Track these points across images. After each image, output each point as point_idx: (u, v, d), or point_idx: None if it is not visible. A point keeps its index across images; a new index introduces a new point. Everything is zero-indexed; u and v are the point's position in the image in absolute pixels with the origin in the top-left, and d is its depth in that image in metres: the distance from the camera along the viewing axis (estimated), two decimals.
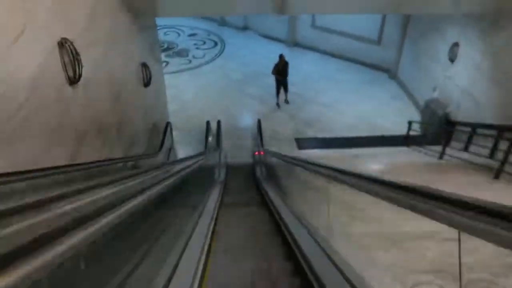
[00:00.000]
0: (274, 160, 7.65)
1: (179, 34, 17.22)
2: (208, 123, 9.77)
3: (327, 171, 3.00)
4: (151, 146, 8.57)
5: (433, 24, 10.98)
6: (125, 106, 6.54)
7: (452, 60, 10.01)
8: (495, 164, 7.27)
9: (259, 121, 9.94)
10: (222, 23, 17.98)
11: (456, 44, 9.82)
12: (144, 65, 7.77)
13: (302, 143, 10.60)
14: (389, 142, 10.57)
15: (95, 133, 4.93)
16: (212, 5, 7.47)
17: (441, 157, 8.47)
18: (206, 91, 13.00)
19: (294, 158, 5.52)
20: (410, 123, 10.08)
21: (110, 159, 5.16)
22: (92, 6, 5.11)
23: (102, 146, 5.23)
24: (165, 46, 16.12)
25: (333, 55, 15.14)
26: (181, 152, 10.10)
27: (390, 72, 13.86)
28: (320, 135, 10.94)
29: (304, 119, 11.59)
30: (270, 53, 15.27)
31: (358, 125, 11.34)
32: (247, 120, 11.76)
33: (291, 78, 12.24)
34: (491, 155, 8.09)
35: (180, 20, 18.63)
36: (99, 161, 4.72)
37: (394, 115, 11.80)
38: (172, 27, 17.93)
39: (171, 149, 9.66)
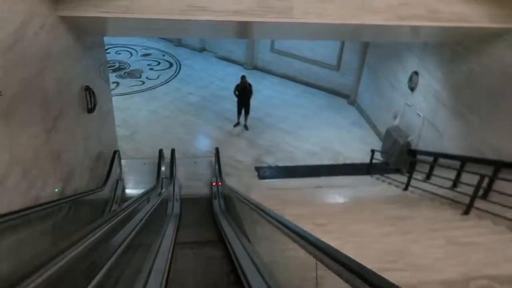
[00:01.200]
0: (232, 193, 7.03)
1: (131, 54, 16.32)
2: (161, 151, 8.95)
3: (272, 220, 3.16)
4: (96, 177, 7.63)
5: (393, 52, 10.97)
6: (63, 134, 5.66)
7: (412, 88, 9.95)
8: (459, 196, 7.08)
9: (217, 150, 9.27)
10: (178, 43, 17.32)
11: (415, 73, 9.78)
12: (89, 89, 6.92)
13: (262, 172, 10.02)
14: (352, 171, 10.26)
15: (21, 168, 4.07)
16: (167, 27, 6.82)
17: (406, 188, 8.20)
18: (159, 115, 12.17)
19: (246, 199, 5.03)
20: (373, 151, 9.84)
21: (39, 205, 4.27)
22: (23, 20, 4.30)
23: (32, 182, 4.36)
24: (116, 65, 15.16)
25: (292, 79, 14.89)
26: (131, 184, 9.17)
27: (349, 98, 13.77)
28: (282, 163, 10.43)
29: (264, 146, 11.06)
30: (228, 76, 14.83)
31: (320, 152, 10.97)
32: (204, 147, 11.05)
33: (252, 102, 11.73)
34: (454, 186, 7.94)
35: (133, 39, 17.73)
36: (24, 209, 3.86)
37: (356, 142, 11.58)
38: (124, 46, 17.00)
39: (118, 180, 8.72)
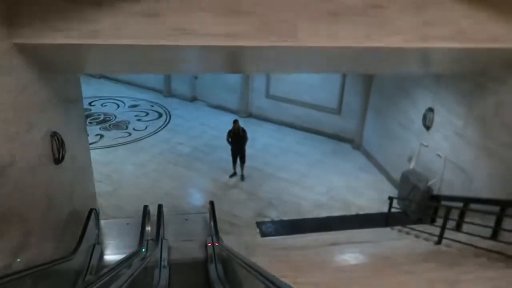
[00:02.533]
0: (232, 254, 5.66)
1: (118, 106, 15.40)
2: (145, 208, 7.60)
3: None
4: (65, 243, 6.24)
5: (400, 89, 10.11)
6: (13, 189, 4.39)
7: (427, 127, 8.94)
8: (503, 247, 5.81)
9: (211, 204, 7.95)
10: (168, 93, 16.51)
11: (430, 110, 8.82)
12: (56, 136, 5.74)
13: (265, 228, 8.65)
14: (367, 223, 8.93)
15: None
16: (149, 57, 5.82)
17: (439, 242, 6.86)
18: (146, 168, 10.93)
19: (248, 265, 3.88)
20: (391, 199, 8.58)
21: None
22: None
23: None
24: (101, 118, 14.15)
25: (291, 125, 13.92)
26: (111, 249, 7.71)
27: (353, 142, 12.73)
28: (286, 216, 9.09)
29: (265, 198, 9.77)
30: (222, 125, 13.75)
31: (329, 203, 9.69)
32: (197, 202, 9.72)
33: (248, 150, 10.61)
34: (494, 235, 6.66)
35: (120, 91, 16.95)
36: None
37: (367, 189, 10.35)
38: (110, 98, 16.14)
39: (95, 245, 7.27)
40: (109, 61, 5.82)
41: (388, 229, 8.52)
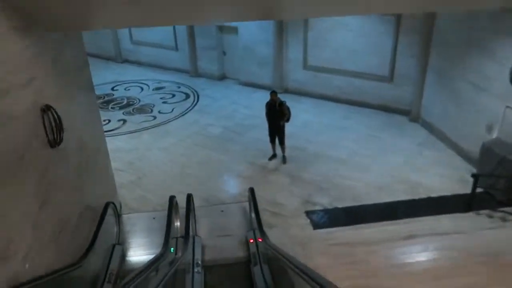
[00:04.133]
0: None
1: (142, 89, 14.19)
2: (172, 200, 6.27)
3: None
4: (77, 247, 5.04)
5: (471, 42, 8.21)
6: None
7: None
8: None
9: (251, 191, 6.52)
10: (195, 73, 15.14)
11: None
12: (50, 111, 4.43)
13: (317, 218, 7.15)
14: (442, 207, 7.24)
15: None
16: (172, 10, 4.35)
17: None
18: (173, 153, 9.63)
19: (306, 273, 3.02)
20: (476, 176, 6.82)
21: None
22: None
23: None
24: (124, 102, 12.98)
25: (333, 99, 12.23)
26: (135, 249, 6.46)
27: (410, 113, 10.91)
28: (341, 203, 7.54)
29: (313, 182, 8.24)
30: (255, 102, 12.36)
31: (390, 185, 8.04)
32: (233, 190, 8.34)
33: (288, 128, 9.07)
34: None
35: (144, 74, 15.73)
36: None
37: (434, 167, 8.61)
38: (134, 82, 14.96)
39: (115, 246, 6.03)
40: (115, 5, 4.44)
41: (471, 214, 6.81)
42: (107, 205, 6.06)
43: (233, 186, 8.49)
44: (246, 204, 7.09)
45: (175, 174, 8.75)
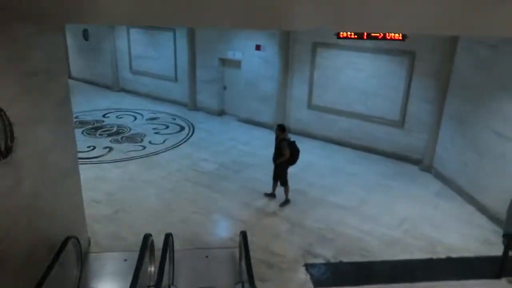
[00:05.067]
0: None
1: (135, 118, 13.38)
2: (147, 239, 5.17)
3: None
4: None
5: (496, 84, 7.50)
6: None
7: None
8: None
9: (243, 235, 5.45)
10: (193, 107, 14.41)
11: None
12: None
13: (318, 273, 6.02)
14: (465, 271, 6.15)
15: None
16: (172, 9, 3.56)
17: None
18: (159, 188, 8.60)
19: None
20: (509, 237, 5.79)
21: None
22: None
23: None
24: (114, 129, 12.09)
25: (338, 142, 11.39)
26: None
27: (421, 163, 10.02)
28: (347, 257, 6.43)
29: (314, 230, 7.17)
30: (254, 140, 11.54)
31: (405, 239, 6.98)
32: (222, 233, 7.25)
33: (288, 169, 8.16)
34: None
35: (139, 104, 15.01)
36: None
37: (453, 222, 7.60)
38: (127, 110, 14.18)
39: None
40: (117, 16, 3.69)
41: (503, 281, 5.72)
42: (66, 241, 4.97)
43: (223, 229, 7.40)
44: (236, 251, 6.00)
45: (158, 210, 7.67)
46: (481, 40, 7.95)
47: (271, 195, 8.25)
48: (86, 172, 8.97)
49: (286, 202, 8.08)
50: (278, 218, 7.59)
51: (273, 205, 8.05)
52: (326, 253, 6.51)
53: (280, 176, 8.07)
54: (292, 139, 8.03)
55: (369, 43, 10.18)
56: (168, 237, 5.30)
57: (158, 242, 5.49)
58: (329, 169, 9.86)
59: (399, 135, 10.42)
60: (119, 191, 8.34)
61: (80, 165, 9.46)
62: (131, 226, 7.04)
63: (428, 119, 9.74)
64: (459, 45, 8.73)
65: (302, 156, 10.32)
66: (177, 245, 6.17)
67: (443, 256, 6.55)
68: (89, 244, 6.49)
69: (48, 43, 4.81)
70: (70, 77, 18.95)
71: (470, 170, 8.34)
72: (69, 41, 18.48)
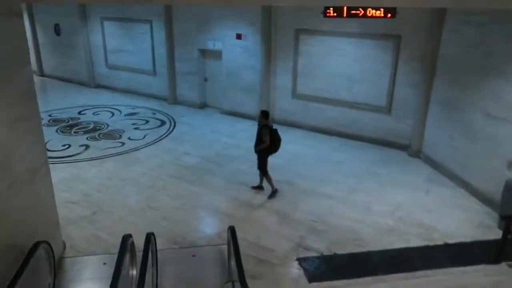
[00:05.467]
0: None
1: (113, 114, 12.81)
2: (126, 240, 4.73)
3: None
4: None
5: (487, 65, 7.28)
6: None
7: None
8: None
9: (231, 231, 5.08)
10: (173, 100, 13.92)
11: None
12: None
13: (312, 268, 5.70)
14: (464, 257, 5.93)
15: None
16: None
17: None
18: (139, 185, 8.14)
19: None
20: (508, 218, 5.57)
21: None
22: None
23: None
24: (90, 127, 11.52)
25: (324, 131, 11.10)
26: None
27: (409, 148, 9.82)
28: (341, 249, 6.13)
29: (305, 222, 6.84)
30: (238, 132, 11.17)
31: (399, 227, 6.72)
32: (209, 230, 6.85)
33: (274, 160, 7.82)
34: None
35: (117, 99, 14.44)
36: None
37: (445, 207, 7.39)
38: (104, 106, 13.58)
39: None
40: None
41: (504, 265, 5.51)
42: (35, 246, 4.49)
43: (209, 225, 7.00)
44: (225, 248, 5.62)
45: (139, 209, 7.22)
46: (468, 19, 7.73)
47: (259, 187, 7.89)
48: (60, 172, 8.51)
49: (274, 193, 7.74)
50: (266, 211, 7.23)
51: (261, 197, 7.69)
52: (319, 246, 6.19)
53: (259, 165, 7.71)
54: (274, 127, 7.65)
55: (353, 28, 9.90)
56: (150, 237, 4.88)
57: (140, 243, 5.07)
58: (316, 159, 9.55)
59: (386, 121, 10.19)
60: (96, 190, 7.84)
61: (54, 165, 9.04)
62: (110, 227, 6.58)
63: (416, 104, 9.52)
64: (445, 27, 8.50)
65: (288, 147, 10.08)
66: (160, 245, 5.77)
67: (440, 242, 6.32)
68: (64, 248, 6.01)
69: (4, 30, 4.30)
70: (42, 74, 18.22)
71: (460, 154, 8.15)
72: (40, 36, 17.69)
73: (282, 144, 10.33)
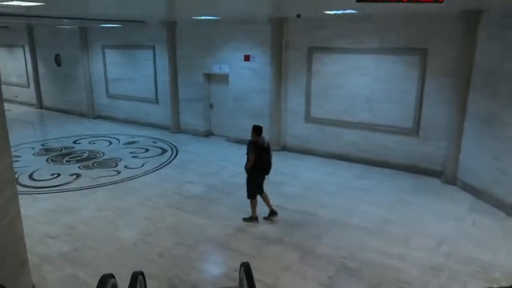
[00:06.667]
0: None
1: (110, 143, 11.82)
2: (105, 281, 3.55)
3: None
4: None
5: None
6: None
7: None
8: None
9: (245, 269, 3.86)
10: (176, 129, 12.98)
11: None
12: None
13: None
14: None
15: None
16: None
17: None
18: (133, 216, 6.96)
19: None
20: None
21: None
22: None
23: None
24: (85, 155, 10.48)
25: (342, 157, 9.98)
26: None
27: (443, 174, 8.62)
28: None
29: (333, 259, 5.57)
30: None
31: (448, 266, 5.43)
32: (214, 269, 5.57)
33: (289, 188, 6.69)
34: None
35: (116, 129, 13.52)
36: None
37: (501, 241, 6.09)
38: (102, 136, 12.63)
39: None
40: None
41: None
42: None
43: (215, 263, 5.73)
44: None
45: (131, 244, 6.00)
46: (509, 22, 6.81)
47: (273, 213, 6.69)
48: (43, 203, 7.44)
49: (252, 219, 6.66)
50: (284, 246, 5.97)
51: (276, 229, 6.46)
52: None
53: (247, 186, 6.64)
54: (267, 143, 6.59)
55: (372, 43, 9.05)
56: (136, 278, 3.66)
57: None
58: (337, 187, 8.36)
59: (413, 144, 9.06)
60: (82, 223, 6.66)
61: (37, 195, 7.92)
62: (94, 266, 5.35)
63: (448, 123, 8.44)
64: (481, 33, 7.57)
65: (304, 174, 9.03)
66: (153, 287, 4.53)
67: (506, 284, 5.00)
68: None
69: None
70: (41, 107, 17.51)
71: (509, 178, 6.94)
72: (41, 69, 17.14)
73: (297, 171, 9.25)
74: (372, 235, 6.27)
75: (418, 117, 8.90)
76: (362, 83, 9.42)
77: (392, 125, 9.25)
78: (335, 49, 9.61)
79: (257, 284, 3.73)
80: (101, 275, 3.61)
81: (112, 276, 3.70)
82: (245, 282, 3.67)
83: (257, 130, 6.52)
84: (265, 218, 6.74)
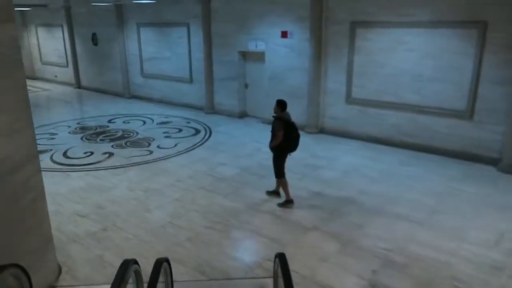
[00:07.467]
0: None
1: (144, 122, 11.69)
2: (125, 268, 3.23)
3: None
4: None
5: None
6: None
7: None
8: None
9: (280, 259, 3.45)
10: (210, 110, 12.67)
11: None
12: None
13: None
14: None
15: None
16: None
17: None
18: (164, 198, 6.71)
19: None
20: None
21: None
22: None
23: None
24: (118, 134, 10.39)
25: (387, 142, 9.29)
26: None
27: (500, 162, 7.80)
28: None
29: (376, 251, 5.06)
30: None
31: (509, 264, 4.78)
32: (246, 257, 5.19)
33: (327, 172, 6.16)
34: None
35: (151, 109, 13.41)
36: None
37: None
38: (136, 115, 12.53)
39: None
40: None
41: None
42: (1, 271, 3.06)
43: (247, 251, 5.35)
44: (269, 282, 3.98)
45: (160, 226, 5.74)
46: None
47: (274, 193, 6.52)
48: (75, 181, 7.34)
49: (287, 203, 6.27)
50: (322, 235, 5.51)
51: (314, 216, 5.99)
52: (402, 286, 4.39)
53: (274, 166, 6.35)
54: (292, 121, 6.23)
55: (423, 16, 8.23)
56: (160, 265, 3.32)
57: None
58: (379, 173, 7.74)
59: (466, 128, 8.24)
60: (112, 202, 6.48)
61: (69, 173, 7.85)
62: (121, 248, 5.13)
63: (507, 106, 7.57)
64: None
65: (342, 157, 8.53)
66: (181, 274, 4.23)
67: None
68: (59, 274, 4.59)
69: None
70: (79, 87, 17.73)
71: None
72: (78, 48, 17.27)
73: (335, 154, 8.74)
74: (420, 226, 5.68)
75: (473, 98, 8.05)
76: (409, 60, 8.63)
77: (442, 107, 8.44)
78: (380, 23, 8.84)
79: (293, 275, 3.31)
80: (125, 257, 3.31)
81: (135, 261, 3.39)
82: (280, 274, 3.26)
83: (281, 104, 6.10)
84: (268, 193, 6.59)
